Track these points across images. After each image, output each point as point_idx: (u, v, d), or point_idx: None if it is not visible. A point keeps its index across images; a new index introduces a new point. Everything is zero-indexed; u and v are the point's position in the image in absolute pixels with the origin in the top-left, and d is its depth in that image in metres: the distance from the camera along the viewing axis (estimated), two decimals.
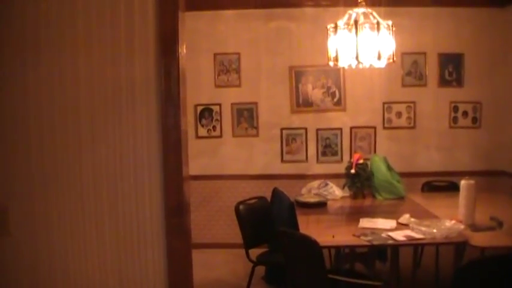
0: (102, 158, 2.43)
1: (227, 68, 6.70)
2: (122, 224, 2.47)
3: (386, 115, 6.78)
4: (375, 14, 4.43)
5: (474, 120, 6.78)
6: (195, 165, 6.13)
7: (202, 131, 6.71)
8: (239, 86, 6.71)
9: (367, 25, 4.32)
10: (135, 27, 2.38)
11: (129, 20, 2.38)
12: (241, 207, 4.93)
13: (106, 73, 2.39)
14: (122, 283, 2.50)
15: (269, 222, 4.88)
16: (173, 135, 2.35)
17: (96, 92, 2.41)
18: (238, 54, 6.70)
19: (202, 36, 6.61)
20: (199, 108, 6.71)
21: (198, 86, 6.60)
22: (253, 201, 5.14)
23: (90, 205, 2.45)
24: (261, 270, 5.24)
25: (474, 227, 4.02)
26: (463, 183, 4.22)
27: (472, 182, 4.19)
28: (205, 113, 6.69)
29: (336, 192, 5.40)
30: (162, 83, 2.33)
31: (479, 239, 3.81)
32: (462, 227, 3.92)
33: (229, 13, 6.67)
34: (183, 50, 2.41)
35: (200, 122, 6.69)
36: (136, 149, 2.40)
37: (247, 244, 4.81)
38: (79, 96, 2.40)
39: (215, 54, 6.71)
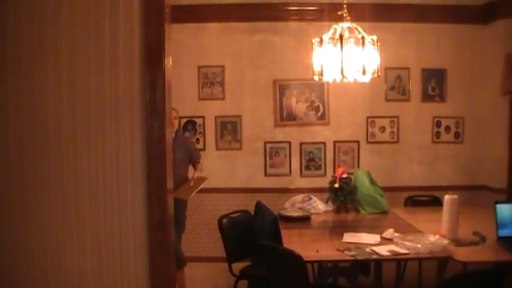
0: (85, 170, 2.40)
1: (211, 80, 6.68)
2: (104, 238, 2.43)
3: (369, 129, 6.79)
4: (359, 29, 4.45)
5: (457, 135, 6.82)
6: None
7: None
8: (223, 98, 6.69)
9: (352, 40, 4.33)
10: (119, 38, 2.36)
11: (114, 31, 2.36)
12: (224, 220, 4.90)
13: (89, 84, 2.36)
14: None
15: (252, 236, 4.85)
16: (157, 148, 2.33)
17: (79, 103, 2.38)
18: (223, 67, 6.69)
19: (186, 49, 6.59)
20: (183, 121, 6.67)
21: (182, 98, 6.56)
22: (236, 214, 5.11)
23: (71, 218, 2.42)
24: (244, 284, 5.19)
25: (457, 242, 4.03)
26: (446, 198, 4.23)
27: (455, 196, 4.20)
28: (189, 126, 6.66)
29: (319, 206, 5.39)
30: (147, 95, 2.31)
31: (463, 254, 3.82)
32: (446, 241, 3.93)
33: (213, 26, 6.66)
34: (169, 61, 2.39)
35: (183, 134, 6.65)
36: (120, 161, 2.37)
37: (230, 258, 4.77)
38: (61, 108, 2.37)
39: (199, 67, 6.69)
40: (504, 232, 4.07)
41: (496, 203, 4.16)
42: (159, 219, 2.35)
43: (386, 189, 5.78)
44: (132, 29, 2.35)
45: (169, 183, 2.41)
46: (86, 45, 2.38)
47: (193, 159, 5.62)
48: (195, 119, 6.69)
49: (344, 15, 4.56)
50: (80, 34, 2.37)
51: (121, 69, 2.34)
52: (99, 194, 2.41)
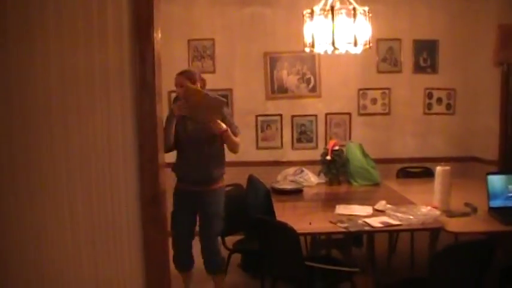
0: (76, 146, 2.38)
1: (201, 54, 6.63)
2: (97, 214, 2.42)
3: (361, 101, 6.78)
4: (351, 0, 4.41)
5: (448, 106, 6.82)
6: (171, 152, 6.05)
7: None
8: (213, 72, 6.64)
9: (343, 11, 4.29)
10: (108, 11, 2.32)
11: (102, 4, 2.32)
12: None
13: (78, 59, 2.33)
14: (97, 273, 2.46)
15: (245, 209, 4.85)
16: (149, 122, 2.31)
17: (68, 78, 2.34)
18: (213, 40, 6.63)
19: (176, 22, 6.52)
20: (173, 95, 6.62)
21: (172, 72, 6.43)
22: (228, 188, 5.09)
23: (63, 195, 2.40)
24: (237, 257, 5.23)
25: (449, 213, 4.05)
26: (438, 169, 4.23)
27: (447, 168, 4.21)
28: (178, 100, 6.60)
29: (311, 178, 5.39)
30: (136, 69, 2.28)
31: (455, 225, 3.84)
32: (438, 213, 3.95)
33: None
34: (158, 35, 2.36)
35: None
36: (111, 137, 2.35)
37: (223, 232, 4.77)
38: (50, 84, 2.34)
39: (189, 40, 6.63)
40: (495, 203, 4.09)
41: (488, 174, 4.17)
42: (151, 195, 2.34)
43: (378, 161, 5.78)
44: (120, 2, 2.31)
45: (161, 158, 2.39)
46: (74, 18, 2.34)
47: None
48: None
49: None
50: (68, 7, 2.33)
51: (110, 43, 2.31)
52: (90, 171, 2.39)
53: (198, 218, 4.55)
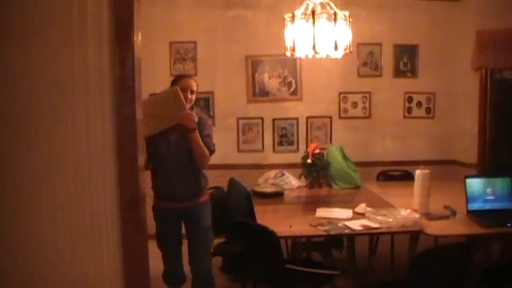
0: (55, 148, 2.36)
1: (183, 56, 6.62)
2: (76, 217, 2.40)
3: (342, 105, 6.82)
4: (332, 4, 4.43)
5: (428, 110, 6.88)
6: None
7: None
8: (195, 75, 6.61)
9: (324, 15, 4.31)
10: (88, 14, 2.31)
11: (82, 7, 2.31)
12: None
13: (57, 61, 2.31)
14: (76, 276, 2.44)
15: (226, 212, 4.85)
16: (128, 125, 2.29)
17: (47, 81, 2.32)
18: (195, 42, 6.63)
19: (157, 24, 6.50)
20: None
21: (153, 75, 6.48)
22: (209, 191, 5.09)
23: (42, 197, 2.38)
24: (218, 260, 5.22)
25: (429, 216, 4.08)
26: (417, 172, 4.27)
27: (426, 171, 4.24)
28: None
29: (292, 181, 5.41)
30: (116, 72, 2.27)
31: (434, 228, 3.88)
32: (417, 216, 3.98)
33: (185, 0, 6.58)
34: (138, 38, 2.35)
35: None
36: (90, 139, 2.34)
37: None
38: (29, 87, 2.32)
39: (171, 43, 6.62)
40: (474, 206, 4.13)
41: (466, 177, 4.21)
42: (131, 197, 2.33)
43: (359, 164, 5.83)
44: (100, 5, 2.30)
45: (140, 161, 2.38)
46: (54, 21, 2.32)
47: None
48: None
49: None
50: (47, 10, 2.32)
51: (90, 46, 2.29)
52: (69, 173, 2.37)
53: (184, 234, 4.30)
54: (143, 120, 3.42)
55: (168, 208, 4.14)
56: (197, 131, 3.97)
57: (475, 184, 4.20)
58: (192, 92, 4.10)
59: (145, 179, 2.58)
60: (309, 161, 5.32)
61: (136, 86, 2.31)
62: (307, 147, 6.12)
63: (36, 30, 2.31)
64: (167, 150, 4.04)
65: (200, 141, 4.01)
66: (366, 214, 4.07)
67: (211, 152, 4.17)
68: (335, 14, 4.30)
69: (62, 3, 2.30)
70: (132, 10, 2.28)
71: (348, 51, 4.51)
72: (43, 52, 2.31)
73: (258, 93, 6.71)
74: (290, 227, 3.91)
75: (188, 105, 4.02)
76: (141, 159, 2.41)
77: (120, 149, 2.32)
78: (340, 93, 6.79)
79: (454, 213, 4.13)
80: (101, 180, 2.36)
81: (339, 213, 4.21)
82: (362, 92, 6.81)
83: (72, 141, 2.35)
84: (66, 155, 2.36)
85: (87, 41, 2.31)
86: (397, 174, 6.17)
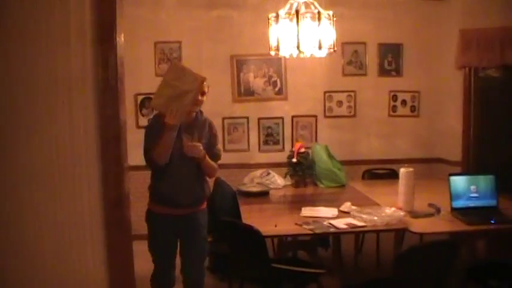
0: (39, 149, 2.36)
1: (168, 56, 6.61)
2: (60, 217, 2.40)
3: (327, 104, 6.84)
4: (316, 4, 4.44)
5: (413, 108, 6.92)
6: (136, 155, 5.98)
7: (143, 121, 6.58)
8: None
9: (308, 15, 4.32)
10: (70, 14, 2.30)
11: (64, 7, 2.30)
12: None
13: (40, 63, 2.30)
14: (61, 277, 2.44)
15: (212, 212, 4.85)
16: (112, 126, 2.30)
17: (30, 82, 2.32)
18: (180, 42, 6.62)
19: (142, 24, 6.48)
20: (140, 98, 6.60)
21: (138, 75, 6.48)
22: None
23: (26, 198, 2.37)
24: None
25: (413, 214, 4.11)
26: (402, 171, 4.30)
27: (410, 169, 4.27)
28: (146, 103, 6.59)
29: (278, 181, 5.42)
30: (99, 72, 2.27)
31: (419, 225, 3.90)
32: (402, 213, 4.01)
33: (170, 0, 6.57)
34: (121, 38, 2.35)
35: (141, 111, 6.58)
36: (74, 140, 2.34)
37: None
38: (11, 87, 2.31)
39: (156, 43, 6.60)
40: (458, 203, 4.17)
41: (450, 175, 4.24)
42: (115, 197, 2.33)
43: (345, 162, 5.85)
44: (83, 5, 2.29)
45: (124, 162, 2.38)
46: (36, 21, 2.31)
47: (210, 154, 3.95)
48: (152, 96, 6.59)
49: None
50: (30, 10, 2.31)
51: (72, 47, 2.29)
52: (53, 174, 2.37)
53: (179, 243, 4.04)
54: (159, 89, 3.64)
55: (167, 214, 3.87)
56: (206, 155, 3.83)
57: (458, 182, 4.23)
58: (203, 93, 3.84)
59: (130, 180, 2.58)
60: (294, 160, 5.33)
61: (119, 87, 2.31)
62: (292, 147, 6.13)
63: (19, 32, 2.31)
64: (178, 155, 3.74)
65: (210, 162, 3.89)
66: (351, 212, 4.09)
67: (218, 158, 4.09)
68: (319, 13, 4.31)
69: (45, 5, 2.30)
70: (114, 11, 2.28)
71: (332, 50, 4.52)
72: (26, 54, 2.31)
73: (244, 92, 6.72)
74: (275, 226, 3.91)
75: (198, 108, 3.91)
76: (126, 159, 2.41)
77: (104, 149, 2.33)
78: (325, 92, 6.81)
79: (438, 210, 4.15)
80: (84, 180, 2.36)
81: (324, 212, 4.22)
82: (347, 91, 6.83)
83: (55, 142, 2.35)
84: (50, 155, 2.36)
85: (70, 42, 2.30)
86: (382, 172, 6.20)
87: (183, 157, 3.74)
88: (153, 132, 3.74)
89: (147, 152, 3.78)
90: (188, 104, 3.57)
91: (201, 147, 3.77)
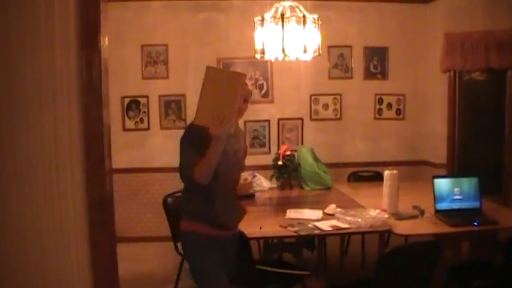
0: (23, 151, 2.37)
1: (154, 59, 6.62)
2: (44, 219, 2.41)
3: (313, 107, 6.87)
4: (301, 7, 4.47)
5: (398, 112, 6.96)
6: (122, 158, 6.03)
7: (130, 124, 6.60)
8: (167, 77, 6.64)
9: (293, 18, 4.35)
10: (55, 17, 2.31)
11: (49, 10, 2.31)
12: (169, 200, 4.90)
13: (25, 65, 2.31)
14: (45, 278, 2.44)
15: None
16: (95, 128, 2.31)
17: (15, 83, 2.33)
18: (166, 45, 6.63)
19: (129, 27, 6.50)
20: (126, 101, 6.60)
21: (125, 78, 6.49)
22: (179, 194, 5.10)
23: (11, 199, 2.38)
24: None
25: (397, 216, 4.13)
26: (386, 173, 4.32)
27: (395, 172, 4.30)
28: (133, 105, 6.59)
29: (263, 183, 5.42)
30: (83, 75, 2.28)
31: (403, 227, 3.92)
32: (386, 215, 4.03)
33: (157, 3, 6.58)
34: (105, 41, 2.37)
35: (127, 114, 6.58)
36: (58, 142, 2.35)
37: (176, 237, 4.77)
38: None
39: (142, 46, 6.61)
40: (442, 205, 4.20)
41: (434, 177, 4.28)
42: (98, 199, 2.34)
43: (330, 165, 5.87)
44: (67, 8, 2.31)
45: (108, 164, 2.40)
46: (21, 23, 2.32)
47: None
48: (139, 99, 6.62)
49: None
50: (15, 12, 2.32)
51: (57, 50, 2.30)
52: (37, 176, 2.38)
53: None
54: (199, 102, 2.99)
55: (217, 235, 3.30)
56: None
57: (442, 184, 4.26)
58: (245, 101, 3.43)
59: (115, 183, 2.59)
60: (280, 162, 5.35)
61: (103, 89, 2.32)
62: (278, 149, 6.15)
63: (4, 34, 2.31)
64: (227, 169, 3.29)
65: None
66: (336, 215, 4.11)
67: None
68: (304, 17, 4.34)
69: (29, 8, 2.31)
70: (99, 14, 2.30)
71: (317, 53, 4.55)
72: (10, 55, 2.31)
73: None
74: (260, 228, 3.93)
75: (239, 117, 3.40)
76: (109, 162, 2.42)
77: (88, 151, 2.34)
78: (311, 95, 6.85)
79: (422, 212, 4.18)
80: (68, 182, 2.37)
81: (309, 214, 4.24)
82: (333, 94, 6.87)
83: (40, 143, 2.36)
84: (34, 157, 2.37)
85: (55, 45, 2.32)
86: (367, 175, 6.23)
87: (228, 172, 3.32)
88: (194, 146, 3.13)
89: (186, 168, 3.15)
90: (235, 108, 3.01)
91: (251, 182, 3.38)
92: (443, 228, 3.92)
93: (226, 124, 2.91)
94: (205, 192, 3.22)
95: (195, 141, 3.12)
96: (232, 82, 3.00)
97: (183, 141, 3.27)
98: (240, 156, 3.48)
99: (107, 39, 2.39)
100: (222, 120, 2.90)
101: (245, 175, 5.23)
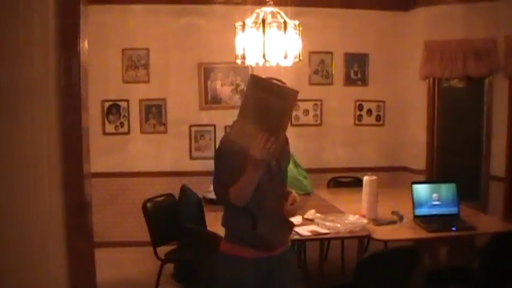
0: (0, 155, 2.35)
1: (135, 63, 6.59)
2: (21, 222, 2.39)
3: (293, 112, 6.87)
4: (282, 13, 4.49)
5: (378, 118, 7.01)
6: (102, 162, 5.99)
7: (110, 128, 6.57)
8: (148, 81, 6.62)
9: (274, 24, 4.37)
10: (34, 20, 2.30)
11: (28, 13, 2.30)
12: (148, 204, 4.88)
13: (2, 69, 2.30)
14: (22, 283, 2.42)
15: (177, 219, 4.86)
16: (74, 133, 2.30)
17: None
18: (147, 49, 6.61)
19: (110, 31, 6.46)
20: (107, 104, 6.57)
21: (106, 82, 6.46)
22: (161, 198, 5.09)
23: None
24: (170, 267, 5.21)
25: (377, 221, 4.16)
26: (365, 179, 4.36)
27: (374, 177, 4.33)
28: (113, 109, 6.56)
29: None
30: (62, 79, 2.27)
31: (382, 233, 3.96)
32: (365, 221, 4.06)
33: (138, 7, 6.55)
34: (84, 44, 2.36)
35: (107, 118, 6.55)
36: (35, 146, 2.33)
37: (156, 242, 4.77)
38: None
39: (123, 50, 6.58)
40: (420, 211, 4.23)
41: (413, 183, 4.31)
42: (76, 204, 2.33)
43: (310, 170, 5.89)
44: (46, 11, 2.29)
45: (86, 168, 2.39)
46: None
47: None
48: (119, 103, 6.59)
49: (267, 0, 4.59)
50: None
51: (35, 53, 2.29)
52: (14, 180, 2.36)
53: None
54: (239, 115, 2.54)
55: (258, 257, 2.89)
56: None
57: (421, 190, 4.30)
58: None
59: (94, 187, 2.58)
60: None
61: (82, 93, 2.31)
62: None
63: None
64: (269, 186, 2.85)
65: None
66: (315, 220, 4.13)
67: None
68: (285, 23, 4.36)
69: (8, 11, 2.29)
70: (78, 18, 2.29)
71: (297, 59, 4.57)
72: None
73: (211, 100, 6.73)
74: None
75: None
76: (87, 166, 2.41)
77: (66, 155, 2.32)
78: None
79: (401, 218, 4.22)
80: (46, 186, 2.35)
81: None
82: (313, 100, 6.89)
83: (17, 147, 2.34)
84: (11, 161, 2.35)
85: (33, 49, 2.30)
86: (347, 180, 6.25)
87: (272, 188, 2.88)
88: (228, 165, 2.82)
89: (220, 188, 2.89)
90: (284, 129, 2.56)
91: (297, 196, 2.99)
92: (422, 234, 3.96)
93: (271, 146, 2.45)
94: (246, 211, 2.83)
95: (228, 159, 2.79)
96: (285, 97, 2.53)
97: (217, 157, 2.94)
98: (284, 166, 3.03)
99: (86, 42, 2.38)
100: (267, 141, 2.45)
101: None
